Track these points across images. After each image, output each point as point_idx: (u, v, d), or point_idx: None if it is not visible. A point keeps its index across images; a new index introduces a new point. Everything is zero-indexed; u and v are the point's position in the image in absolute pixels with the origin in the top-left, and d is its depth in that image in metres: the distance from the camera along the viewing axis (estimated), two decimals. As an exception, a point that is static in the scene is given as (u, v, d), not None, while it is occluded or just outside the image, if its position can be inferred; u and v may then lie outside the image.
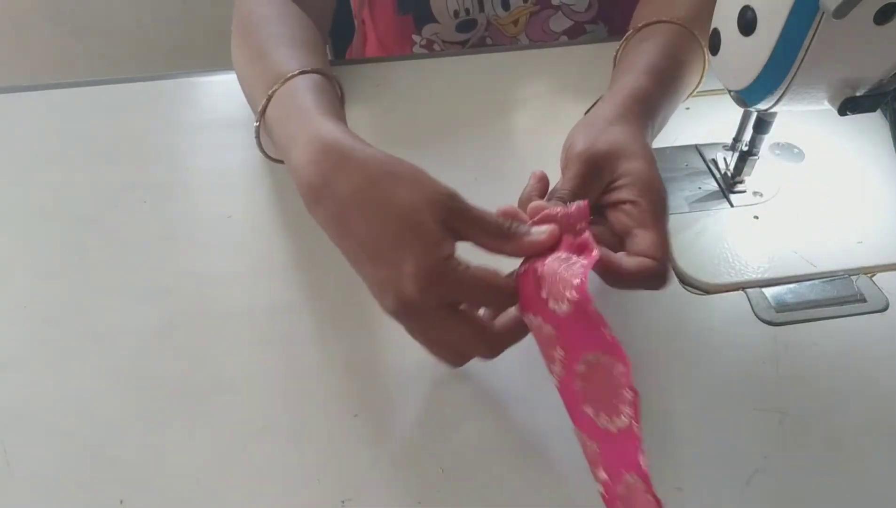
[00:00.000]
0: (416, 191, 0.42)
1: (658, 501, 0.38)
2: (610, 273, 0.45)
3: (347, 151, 0.44)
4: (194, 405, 0.47)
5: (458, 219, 0.42)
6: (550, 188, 0.49)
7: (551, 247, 0.43)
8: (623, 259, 0.45)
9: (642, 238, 0.46)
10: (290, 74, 0.53)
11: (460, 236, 0.43)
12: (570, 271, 0.40)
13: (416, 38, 0.83)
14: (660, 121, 0.55)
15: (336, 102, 0.54)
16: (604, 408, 0.40)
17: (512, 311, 0.45)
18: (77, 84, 0.71)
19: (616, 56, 0.62)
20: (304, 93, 0.52)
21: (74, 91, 0.71)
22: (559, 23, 0.82)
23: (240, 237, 0.58)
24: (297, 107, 0.51)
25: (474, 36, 0.82)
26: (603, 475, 0.40)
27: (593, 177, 0.48)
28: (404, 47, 0.84)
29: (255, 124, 0.55)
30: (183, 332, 0.51)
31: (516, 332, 0.45)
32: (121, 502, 0.43)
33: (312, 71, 0.54)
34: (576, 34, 0.83)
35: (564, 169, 0.49)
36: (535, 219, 0.45)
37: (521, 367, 0.49)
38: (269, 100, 0.53)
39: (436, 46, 0.83)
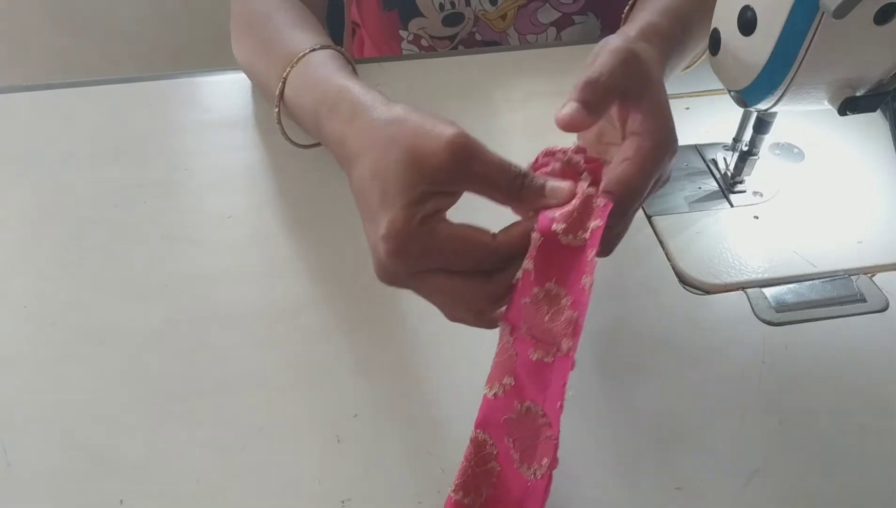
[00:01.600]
0: (410, 151, 0.39)
1: (555, 443, 0.39)
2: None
3: (362, 109, 0.43)
4: (194, 405, 0.47)
5: (457, 175, 0.39)
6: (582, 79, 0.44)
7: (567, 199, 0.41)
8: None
9: (612, 169, 0.42)
10: (302, 53, 0.53)
11: (466, 189, 0.40)
12: (591, 211, 0.40)
13: (403, 33, 0.83)
14: (676, 60, 0.53)
15: (351, 68, 0.53)
16: (538, 341, 0.40)
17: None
18: (77, 84, 0.71)
19: (624, 15, 0.58)
20: (320, 65, 0.52)
21: (74, 91, 0.71)
22: (547, 14, 0.82)
23: (240, 237, 0.58)
24: (315, 77, 0.51)
25: (462, 31, 0.82)
26: (510, 380, 0.40)
27: (626, 73, 0.43)
28: (392, 45, 0.84)
29: (274, 110, 0.55)
30: (183, 332, 0.51)
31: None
32: (121, 502, 0.43)
33: (322, 47, 0.54)
34: (564, 25, 0.83)
35: (595, 60, 0.44)
36: (539, 162, 0.43)
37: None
38: (284, 82, 0.53)
39: (423, 42, 0.83)
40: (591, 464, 0.45)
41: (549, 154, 0.43)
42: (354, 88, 0.46)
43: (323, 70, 0.51)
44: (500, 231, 0.41)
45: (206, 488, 0.44)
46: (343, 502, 0.43)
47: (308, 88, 0.51)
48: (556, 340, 0.39)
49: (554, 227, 0.39)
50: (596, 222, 0.40)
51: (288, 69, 0.53)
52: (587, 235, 0.40)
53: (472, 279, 0.40)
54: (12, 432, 0.46)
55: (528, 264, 0.40)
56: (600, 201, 0.40)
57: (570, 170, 0.43)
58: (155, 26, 1.49)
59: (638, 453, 0.45)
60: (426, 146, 0.39)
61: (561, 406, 0.39)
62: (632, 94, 0.43)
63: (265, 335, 0.51)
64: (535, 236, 0.40)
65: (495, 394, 0.40)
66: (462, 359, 0.50)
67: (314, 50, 0.53)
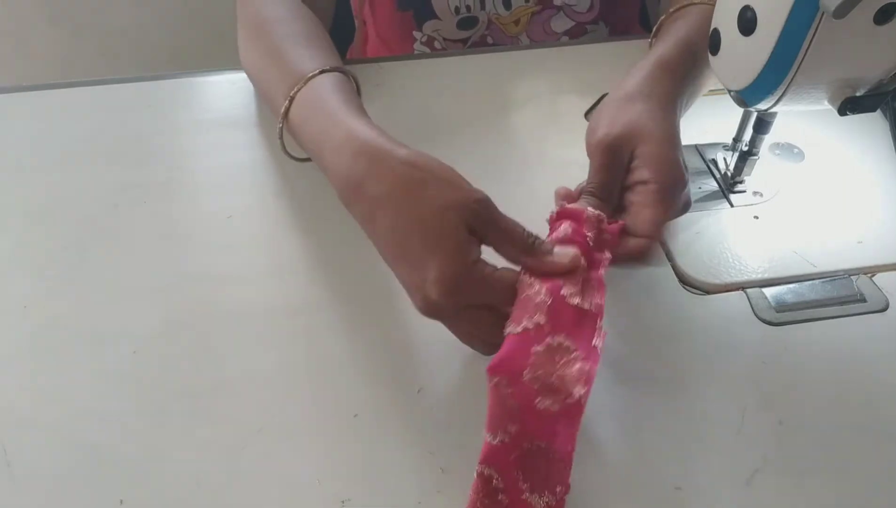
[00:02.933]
0: (445, 196, 0.42)
1: (568, 469, 0.41)
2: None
3: (380, 152, 0.45)
4: (194, 405, 0.47)
5: (485, 226, 0.43)
6: (579, 183, 0.51)
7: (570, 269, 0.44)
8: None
9: (642, 215, 0.48)
10: (311, 74, 0.54)
11: (485, 242, 0.44)
12: (597, 282, 0.44)
13: (416, 34, 0.83)
14: (690, 90, 0.56)
15: (357, 98, 0.54)
16: (545, 389, 0.41)
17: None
18: (77, 84, 0.71)
19: (651, 42, 0.62)
20: (328, 92, 0.52)
21: (74, 91, 0.71)
22: (560, 23, 0.82)
23: (240, 237, 0.58)
24: (323, 107, 0.51)
25: (475, 34, 0.82)
26: (514, 427, 0.41)
27: (615, 164, 0.49)
28: (405, 45, 0.84)
29: (278, 126, 0.55)
30: (183, 332, 0.51)
31: None
32: (121, 502, 0.43)
33: (332, 70, 0.54)
34: (577, 35, 0.83)
35: (589, 156, 0.51)
36: (554, 217, 0.47)
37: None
38: (291, 101, 0.54)
39: (437, 44, 0.83)
40: (590, 464, 0.45)
41: (564, 215, 0.47)
42: (361, 129, 0.47)
43: (331, 101, 0.52)
44: None
45: (206, 488, 0.44)
46: (343, 502, 0.43)
47: (315, 120, 0.52)
48: (567, 387, 0.41)
49: (562, 292, 0.43)
50: (597, 300, 0.44)
51: (295, 89, 0.53)
52: (591, 306, 0.44)
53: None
54: (12, 432, 0.46)
55: (540, 318, 0.42)
56: (601, 272, 0.45)
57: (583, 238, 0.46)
58: (155, 26, 1.49)
59: (638, 453, 0.45)
60: (461, 196, 0.42)
61: (572, 448, 0.41)
62: (628, 164, 0.50)
63: (265, 336, 0.51)
64: (545, 298, 0.42)
65: (501, 441, 0.41)
66: (462, 360, 0.50)
67: (323, 72, 0.54)
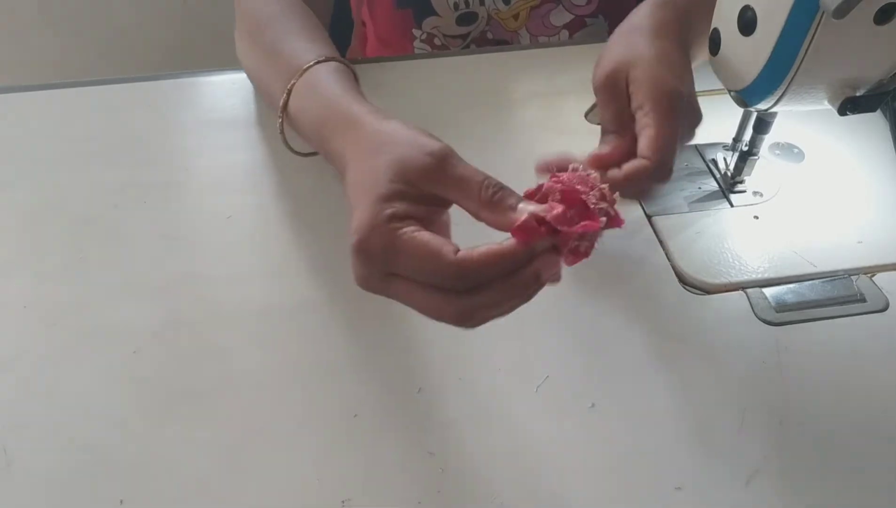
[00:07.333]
0: (396, 151, 0.41)
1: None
2: (612, 186, 0.41)
3: (357, 124, 0.46)
4: (194, 404, 0.47)
5: (434, 180, 0.39)
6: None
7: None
8: (614, 172, 0.49)
9: (642, 139, 0.49)
10: (307, 65, 0.53)
11: (443, 191, 0.40)
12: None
13: (416, 32, 0.83)
14: (694, 20, 0.56)
15: (354, 83, 0.54)
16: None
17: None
18: (77, 84, 0.71)
19: None
20: (326, 80, 0.52)
21: (74, 91, 0.71)
22: (559, 17, 0.82)
23: (240, 237, 0.58)
24: (320, 94, 0.51)
25: (475, 30, 0.82)
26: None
27: (617, 95, 0.51)
28: (404, 43, 0.84)
29: (278, 121, 0.55)
30: (182, 332, 0.51)
31: (486, 299, 0.38)
32: (121, 502, 0.43)
33: (327, 59, 0.54)
34: (576, 28, 0.83)
35: (595, 95, 0.53)
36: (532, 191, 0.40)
37: (520, 368, 0.49)
38: (289, 94, 0.53)
39: (436, 41, 0.83)
40: (590, 464, 0.45)
41: (556, 179, 0.40)
42: (360, 111, 0.47)
43: (330, 89, 0.51)
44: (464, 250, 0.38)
45: (206, 488, 0.44)
46: (343, 502, 0.43)
47: (312, 107, 0.51)
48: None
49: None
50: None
51: (293, 81, 0.53)
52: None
53: (438, 294, 0.38)
54: (12, 432, 0.46)
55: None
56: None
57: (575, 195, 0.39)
58: (155, 26, 1.49)
59: (638, 453, 0.45)
60: (411, 152, 0.40)
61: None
62: (627, 93, 0.51)
63: (265, 335, 0.51)
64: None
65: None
66: (463, 359, 0.50)
67: (319, 62, 0.54)
